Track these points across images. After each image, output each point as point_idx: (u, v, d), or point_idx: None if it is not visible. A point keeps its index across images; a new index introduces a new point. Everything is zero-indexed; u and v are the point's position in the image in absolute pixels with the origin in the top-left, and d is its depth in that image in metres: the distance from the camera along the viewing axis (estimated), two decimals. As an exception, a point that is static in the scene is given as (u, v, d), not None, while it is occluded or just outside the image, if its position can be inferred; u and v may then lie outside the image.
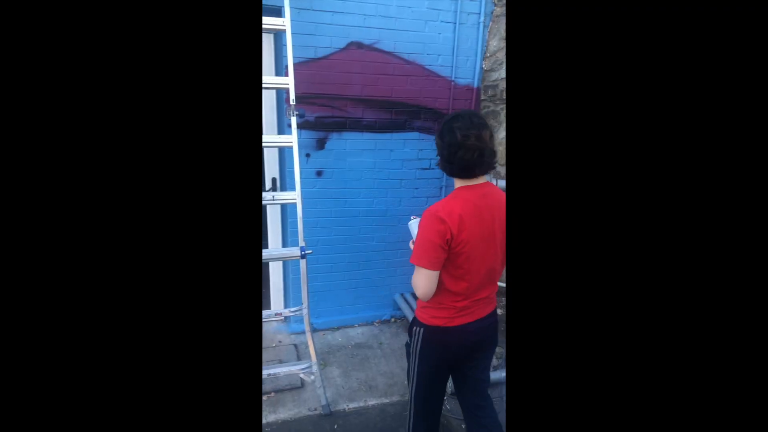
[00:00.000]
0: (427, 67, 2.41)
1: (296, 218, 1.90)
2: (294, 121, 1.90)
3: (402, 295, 2.78)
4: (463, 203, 1.19)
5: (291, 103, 1.89)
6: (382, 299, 2.78)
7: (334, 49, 2.24)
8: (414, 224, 1.37)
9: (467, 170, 1.21)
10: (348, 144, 2.41)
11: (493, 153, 1.21)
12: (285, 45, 2.15)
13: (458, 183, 1.25)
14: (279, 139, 1.90)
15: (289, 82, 1.89)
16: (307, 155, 2.36)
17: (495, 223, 1.22)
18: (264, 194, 1.87)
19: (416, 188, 2.61)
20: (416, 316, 1.36)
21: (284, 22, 1.87)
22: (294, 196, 1.91)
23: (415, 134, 2.51)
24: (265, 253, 1.85)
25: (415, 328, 1.35)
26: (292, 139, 1.90)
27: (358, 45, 2.27)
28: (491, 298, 1.33)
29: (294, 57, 2.16)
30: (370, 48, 2.29)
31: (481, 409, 1.43)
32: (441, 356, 1.33)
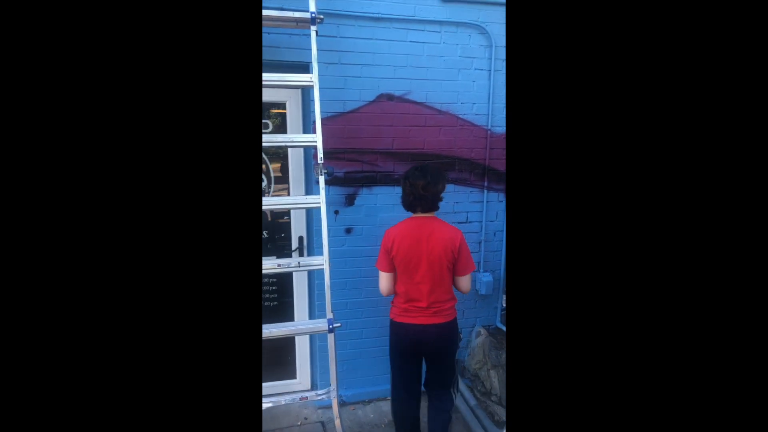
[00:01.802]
0: (461, 116, 2.27)
1: (324, 282, 1.72)
2: (322, 180, 1.76)
3: (440, 361, 2.50)
4: (402, 229, 1.67)
5: (319, 161, 1.76)
6: (417, 367, 2.51)
7: (363, 102, 2.14)
8: None
9: (407, 206, 1.71)
10: (379, 199, 2.25)
11: (425, 198, 1.65)
12: (312, 100, 2.08)
13: (412, 214, 1.72)
14: (305, 201, 1.76)
15: (316, 139, 1.77)
16: (336, 212, 2.21)
17: (423, 248, 1.63)
18: (287, 260, 1.71)
19: (453, 244, 2.40)
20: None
21: (312, 78, 1.78)
22: (321, 262, 1.74)
23: (449, 187, 2.33)
24: (289, 327, 1.66)
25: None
26: (319, 199, 1.76)
27: (389, 97, 2.16)
28: (435, 310, 1.67)
29: (322, 112, 2.07)
30: (401, 99, 2.18)
31: (438, 398, 1.79)
32: (397, 344, 1.74)
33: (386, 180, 2.24)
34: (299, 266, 1.72)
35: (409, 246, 1.63)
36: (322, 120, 2.08)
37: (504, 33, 2.22)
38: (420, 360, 1.78)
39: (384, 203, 2.26)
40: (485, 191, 2.37)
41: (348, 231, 2.25)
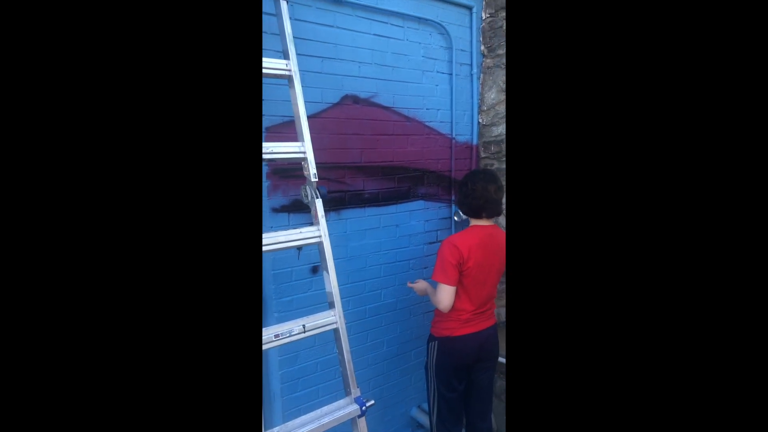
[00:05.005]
0: (427, 124, 2.02)
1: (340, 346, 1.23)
2: (319, 205, 1.27)
3: (420, 407, 2.16)
4: (473, 237, 1.57)
5: (313, 178, 1.27)
6: (398, 418, 2.12)
7: (326, 104, 1.69)
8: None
9: (475, 212, 1.61)
10: (348, 225, 1.82)
11: (497, 202, 1.60)
12: (267, 100, 1.55)
13: (472, 222, 1.65)
14: (300, 236, 1.24)
15: (305, 149, 1.28)
16: (299, 248, 1.68)
17: (495, 257, 1.59)
18: (288, 326, 1.16)
19: (425, 267, 2.11)
20: (430, 333, 1.70)
21: (288, 65, 1.29)
22: (332, 320, 1.24)
23: (420, 203, 2.05)
24: (307, 427, 1.11)
25: (430, 343, 1.69)
26: (319, 232, 1.26)
27: (354, 99, 1.77)
28: (489, 314, 1.68)
29: (275, 116, 1.57)
30: (368, 103, 1.81)
31: (482, 417, 1.74)
32: (453, 362, 1.63)
33: (356, 201, 1.83)
34: (305, 331, 1.18)
35: (484, 256, 1.56)
36: (275, 126, 1.58)
37: (462, 36, 2.07)
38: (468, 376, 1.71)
39: (354, 230, 1.84)
40: (453, 206, 2.16)
41: (315, 270, 1.74)
